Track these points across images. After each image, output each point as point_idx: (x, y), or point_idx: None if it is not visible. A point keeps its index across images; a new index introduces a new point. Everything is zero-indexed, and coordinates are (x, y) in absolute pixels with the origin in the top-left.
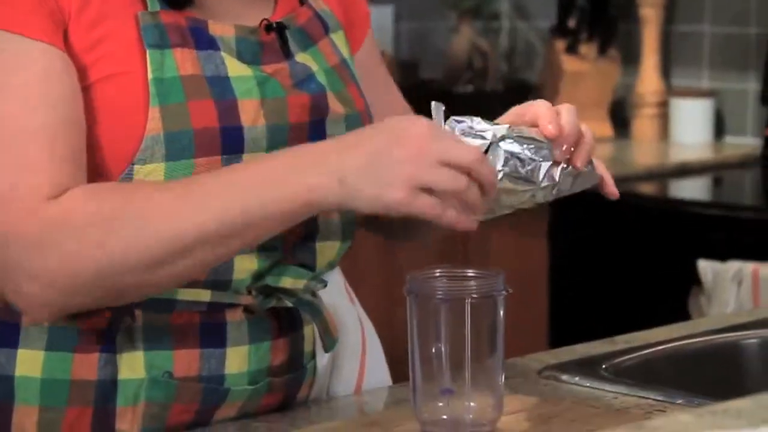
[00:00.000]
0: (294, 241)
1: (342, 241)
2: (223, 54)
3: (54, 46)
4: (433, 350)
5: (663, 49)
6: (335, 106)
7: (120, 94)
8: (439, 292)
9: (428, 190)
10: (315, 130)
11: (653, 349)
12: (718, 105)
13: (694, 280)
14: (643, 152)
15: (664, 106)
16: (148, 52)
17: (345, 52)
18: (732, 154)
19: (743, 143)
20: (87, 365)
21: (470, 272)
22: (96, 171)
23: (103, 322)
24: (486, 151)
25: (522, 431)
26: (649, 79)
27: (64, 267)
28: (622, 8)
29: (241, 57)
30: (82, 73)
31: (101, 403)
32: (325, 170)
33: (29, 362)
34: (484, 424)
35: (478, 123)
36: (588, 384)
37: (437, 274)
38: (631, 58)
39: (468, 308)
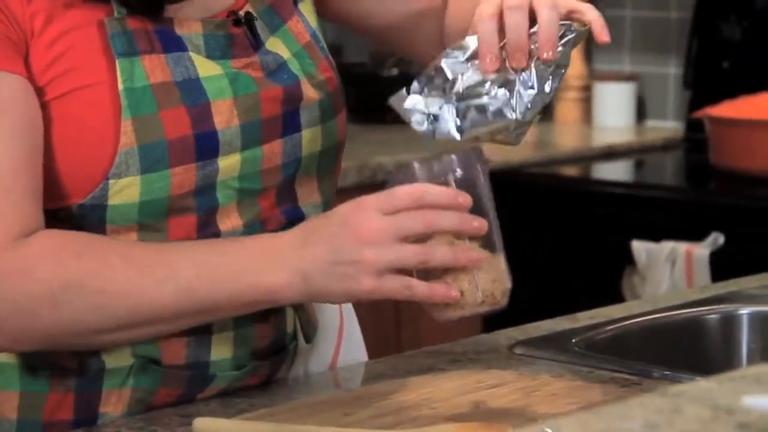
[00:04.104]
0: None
1: None
2: (191, 54)
3: (15, 73)
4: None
5: None
6: (309, 92)
7: (87, 108)
8: (420, 177)
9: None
10: (289, 119)
11: (620, 325)
12: (639, 89)
13: (626, 261)
14: (567, 136)
15: (586, 90)
16: (117, 61)
17: (313, 21)
18: (654, 138)
19: (665, 126)
20: (69, 354)
21: (444, 155)
22: (68, 188)
23: None
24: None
25: (503, 405)
26: (571, 63)
27: (15, 316)
28: None
29: (210, 54)
30: (40, 91)
31: (84, 388)
32: (287, 268)
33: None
34: (496, 300)
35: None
36: (562, 359)
37: (414, 164)
38: None
39: (453, 185)
